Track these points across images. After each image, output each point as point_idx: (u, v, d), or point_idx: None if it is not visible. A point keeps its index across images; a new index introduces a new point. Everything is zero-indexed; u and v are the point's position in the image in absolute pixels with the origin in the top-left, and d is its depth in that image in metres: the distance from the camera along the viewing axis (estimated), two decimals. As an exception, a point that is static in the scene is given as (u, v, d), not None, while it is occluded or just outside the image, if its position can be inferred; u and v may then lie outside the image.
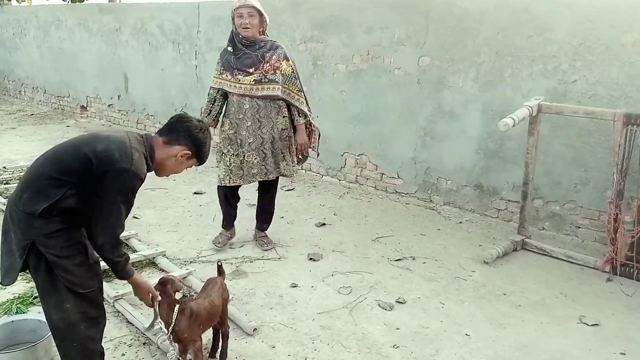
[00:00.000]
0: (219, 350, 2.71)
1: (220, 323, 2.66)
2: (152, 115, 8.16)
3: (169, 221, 4.68)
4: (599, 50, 4.05)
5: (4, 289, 3.35)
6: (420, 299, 3.42)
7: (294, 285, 3.55)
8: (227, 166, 3.85)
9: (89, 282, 2.18)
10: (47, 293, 2.12)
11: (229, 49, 3.79)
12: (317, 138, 4.11)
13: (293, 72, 3.82)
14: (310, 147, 4.07)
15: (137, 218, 4.65)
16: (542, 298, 3.49)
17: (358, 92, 5.56)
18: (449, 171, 5.06)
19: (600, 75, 4.07)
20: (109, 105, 8.98)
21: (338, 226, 4.66)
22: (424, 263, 3.96)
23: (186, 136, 2.27)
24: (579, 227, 4.39)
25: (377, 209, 5.13)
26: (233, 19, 3.73)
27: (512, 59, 4.48)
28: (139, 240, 4.10)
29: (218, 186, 4.03)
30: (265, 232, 4.20)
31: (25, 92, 11.22)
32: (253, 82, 3.69)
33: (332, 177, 6.01)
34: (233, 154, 3.83)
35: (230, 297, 2.87)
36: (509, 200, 4.74)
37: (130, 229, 4.35)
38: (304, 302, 3.34)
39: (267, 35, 3.85)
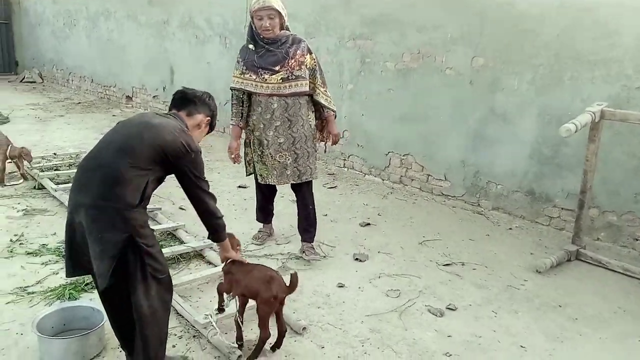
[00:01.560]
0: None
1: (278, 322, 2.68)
2: (195, 108, 8.21)
3: (214, 214, 4.68)
4: (669, 55, 3.85)
5: (57, 273, 3.41)
6: (471, 307, 3.32)
7: (341, 285, 3.49)
8: (266, 166, 3.74)
9: (166, 267, 2.29)
10: (137, 283, 2.15)
11: (250, 47, 3.61)
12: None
13: (316, 65, 3.66)
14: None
15: (183, 209, 4.68)
16: (599, 312, 3.34)
17: (407, 91, 5.46)
18: (500, 175, 4.92)
19: (669, 81, 3.88)
20: (154, 97, 9.10)
21: (383, 227, 4.59)
22: (474, 269, 3.85)
23: (202, 105, 2.48)
24: (637, 240, 4.20)
25: (423, 211, 5.02)
26: (252, 18, 3.55)
27: (572, 62, 4.31)
28: (186, 232, 4.11)
29: (258, 182, 3.95)
30: (312, 243, 3.91)
31: (72, 80, 11.49)
32: (280, 81, 3.53)
33: (375, 176, 5.93)
34: (260, 155, 3.73)
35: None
36: (562, 209, 4.57)
37: (178, 220, 4.39)
38: (352, 302, 3.28)
39: (287, 29, 3.66)
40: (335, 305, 3.24)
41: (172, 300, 3.02)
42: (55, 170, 5.50)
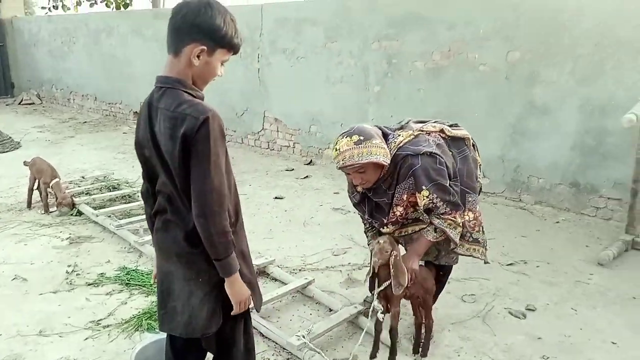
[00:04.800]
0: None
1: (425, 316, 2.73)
2: (210, 120, 8.12)
3: (261, 228, 4.62)
4: None
5: (125, 303, 3.33)
6: (549, 306, 3.29)
7: (413, 294, 3.44)
8: None
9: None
10: (241, 318, 1.95)
11: (354, 198, 2.81)
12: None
13: (431, 202, 2.49)
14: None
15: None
16: (675, 301, 3.34)
17: (438, 90, 5.43)
18: (541, 169, 4.91)
19: None
20: (164, 111, 8.98)
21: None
22: (538, 267, 3.83)
23: (190, 30, 1.70)
24: (690, 225, 4.21)
25: (467, 210, 4.99)
26: None
27: (614, 51, 4.31)
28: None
29: None
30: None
31: (74, 99, 11.32)
32: (395, 231, 2.75)
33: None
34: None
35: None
36: (608, 198, 4.58)
37: (228, 238, 4.31)
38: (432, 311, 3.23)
39: (386, 157, 2.50)
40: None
41: (254, 322, 3.00)
42: (86, 194, 5.39)
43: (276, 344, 2.86)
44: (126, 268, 3.80)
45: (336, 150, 2.48)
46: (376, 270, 2.56)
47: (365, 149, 2.41)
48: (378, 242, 2.53)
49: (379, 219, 2.70)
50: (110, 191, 5.52)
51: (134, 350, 2.52)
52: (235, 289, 1.81)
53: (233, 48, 1.78)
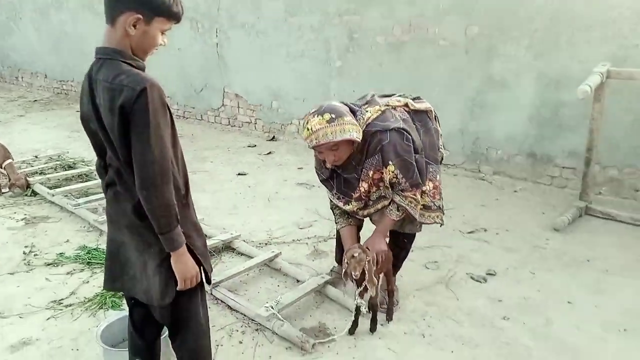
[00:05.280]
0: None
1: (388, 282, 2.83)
2: (168, 97, 7.93)
3: (225, 204, 4.58)
4: (663, 12, 4.02)
5: (87, 282, 3.25)
6: (509, 270, 3.42)
7: (379, 263, 3.50)
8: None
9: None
10: (197, 290, 1.93)
11: (322, 174, 2.85)
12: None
13: (395, 178, 2.58)
14: None
15: (191, 203, 4.54)
16: (625, 262, 3.51)
17: (399, 65, 5.46)
18: (500, 141, 5.04)
19: (664, 37, 4.05)
20: (120, 89, 8.71)
21: (396, 201, 4.62)
22: (497, 234, 3.95)
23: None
24: (638, 191, 4.42)
25: (428, 182, 5.09)
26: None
27: (568, 25, 4.42)
28: (207, 225, 4.00)
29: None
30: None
31: (22, 77, 10.83)
32: (356, 210, 2.80)
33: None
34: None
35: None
36: (563, 167, 4.75)
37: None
38: (396, 278, 3.30)
39: (357, 136, 2.52)
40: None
41: (223, 295, 2.99)
42: (41, 174, 5.20)
43: (245, 315, 2.87)
44: (86, 247, 3.71)
45: (308, 130, 2.48)
46: (354, 279, 2.59)
47: (338, 127, 2.44)
48: (352, 256, 2.53)
49: (348, 194, 2.74)
50: (65, 170, 5.35)
51: (99, 327, 2.49)
52: (181, 264, 1.77)
53: (173, 16, 1.73)
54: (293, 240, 3.86)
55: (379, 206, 2.76)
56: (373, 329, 2.73)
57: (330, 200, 2.91)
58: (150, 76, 1.65)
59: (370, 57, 5.65)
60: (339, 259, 3.25)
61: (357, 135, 2.49)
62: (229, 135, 7.05)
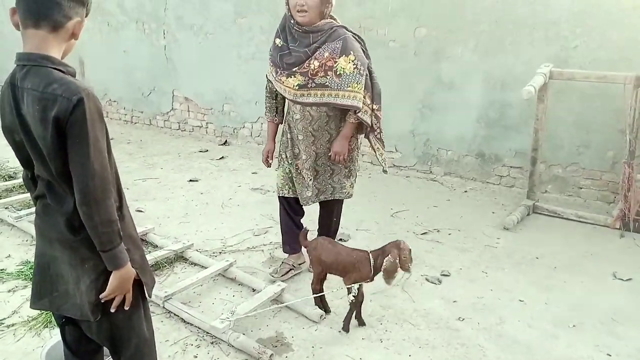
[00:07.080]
0: None
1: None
2: (114, 101, 7.68)
3: (176, 212, 4.46)
4: (600, 15, 4.19)
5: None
6: (462, 270, 3.48)
7: (335, 268, 3.49)
8: (286, 174, 3.21)
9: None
10: (138, 304, 1.85)
11: (277, 41, 2.98)
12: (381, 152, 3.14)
13: (355, 68, 2.79)
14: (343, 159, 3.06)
15: (141, 211, 4.40)
16: (571, 258, 3.64)
17: (350, 67, 5.47)
18: (450, 142, 5.13)
19: (601, 39, 4.22)
20: (63, 92, 8.36)
21: (351, 204, 4.60)
22: (450, 234, 4.02)
23: (75, 4, 1.60)
24: (581, 188, 4.60)
25: (381, 184, 5.13)
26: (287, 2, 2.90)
27: (512, 27, 4.55)
28: (157, 235, 3.88)
29: (278, 196, 3.32)
30: None
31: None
32: (297, 87, 2.88)
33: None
34: (289, 163, 3.17)
35: None
36: (511, 167, 4.89)
37: (141, 224, 4.12)
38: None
39: (329, 19, 2.93)
40: (338, 289, 3.22)
41: (176, 308, 2.90)
42: (-23, 185, 4.91)
43: (199, 329, 2.78)
44: (29, 262, 3.51)
45: None
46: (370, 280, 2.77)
47: None
48: (410, 250, 2.71)
49: (289, 71, 2.89)
50: (6, 181, 5.08)
51: (44, 348, 2.36)
52: (118, 282, 1.68)
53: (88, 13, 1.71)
54: (248, 247, 3.80)
55: (318, 94, 2.86)
56: (347, 328, 2.79)
57: (268, 89, 3.17)
58: (85, 84, 1.56)
59: (322, 59, 5.63)
60: (288, 249, 3.42)
61: (333, 3, 2.88)
62: (179, 140, 6.88)
